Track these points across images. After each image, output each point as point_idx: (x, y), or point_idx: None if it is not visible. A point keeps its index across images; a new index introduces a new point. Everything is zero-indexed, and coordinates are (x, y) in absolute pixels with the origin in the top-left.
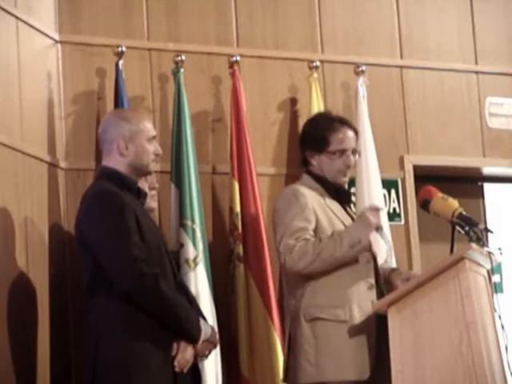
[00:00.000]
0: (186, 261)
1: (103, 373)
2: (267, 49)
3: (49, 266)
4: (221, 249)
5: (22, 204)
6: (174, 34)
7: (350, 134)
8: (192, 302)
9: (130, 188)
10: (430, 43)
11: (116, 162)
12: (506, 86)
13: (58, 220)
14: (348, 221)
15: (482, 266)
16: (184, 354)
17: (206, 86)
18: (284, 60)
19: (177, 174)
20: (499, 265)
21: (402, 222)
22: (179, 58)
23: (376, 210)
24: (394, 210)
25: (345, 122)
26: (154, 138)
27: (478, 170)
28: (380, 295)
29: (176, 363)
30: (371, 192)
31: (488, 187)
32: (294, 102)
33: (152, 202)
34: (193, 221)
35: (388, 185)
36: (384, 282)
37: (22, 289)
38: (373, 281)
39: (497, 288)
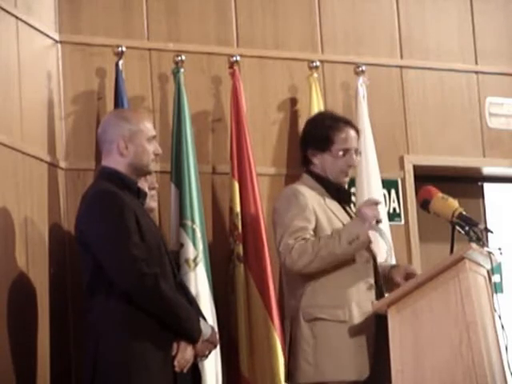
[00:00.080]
0: (186, 261)
1: (103, 373)
2: (267, 49)
3: (49, 266)
4: (221, 249)
5: (22, 204)
6: (174, 34)
7: (353, 133)
8: (192, 302)
9: (129, 188)
10: (430, 43)
11: (116, 161)
12: (506, 86)
13: (58, 220)
14: (347, 220)
15: (482, 265)
16: (184, 354)
17: (205, 86)
18: (284, 60)
19: (177, 174)
20: (499, 265)
21: (402, 222)
22: (179, 57)
23: (373, 203)
24: (394, 209)
25: (348, 122)
26: (154, 137)
27: (477, 170)
28: (379, 295)
29: (176, 363)
30: (371, 192)
31: (488, 187)
32: (293, 101)
33: (152, 202)
34: (193, 221)
35: (388, 185)
36: (384, 280)
37: (21, 289)
38: (372, 281)
39: (497, 288)
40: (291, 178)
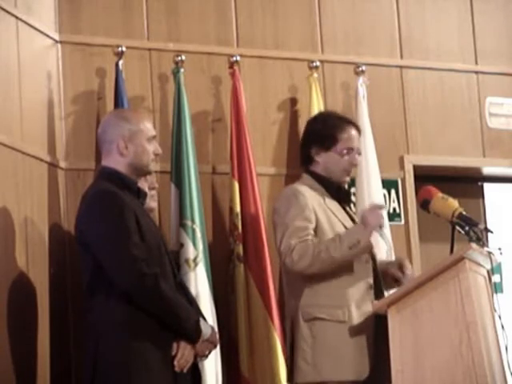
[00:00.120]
0: (186, 261)
1: (103, 373)
2: (267, 49)
3: (49, 266)
4: (221, 249)
5: (22, 204)
6: (174, 34)
7: (356, 133)
8: (192, 302)
9: (129, 188)
10: (430, 43)
11: (116, 161)
12: (506, 86)
13: (58, 220)
14: (347, 221)
15: (482, 265)
16: (184, 354)
17: (205, 86)
18: (284, 60)
19: (177, 174)
20: (499, 265)
21: (402, 222)
22: (179, 57)
23: (377, 208)
24: (394, 210)
25: (351, 122)
26: (154, 137)
27: (477, 170)
28: (379, 295)
29: (176, 363)
30: (371, 192)
31: (488, 187)
32: (293, 101)
33: (152, 202)
34: (193, 221)
35: (388, 185)
36: (382, 277)
37: (21, 289)
38: (371, 281)
39: (497, 288)
40: (291, 178)
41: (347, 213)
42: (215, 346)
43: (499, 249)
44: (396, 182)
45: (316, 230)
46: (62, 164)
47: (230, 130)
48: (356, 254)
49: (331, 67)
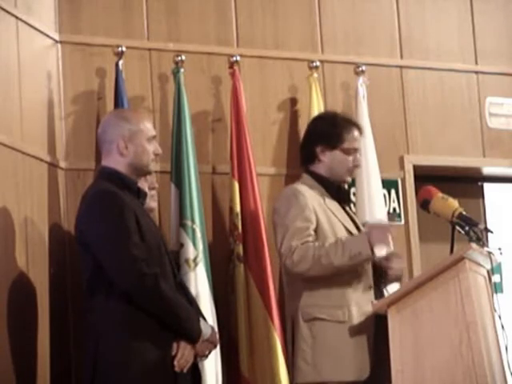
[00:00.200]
0: (186, 261)
1: (103, 373)
2: (267, 49)
3: (49, 266)
4: (221, 249)
5: (22, 204)
6: (174, 34)
7: (358, 135)
8: (192, 302)
9: (129, 188)
10: (430, 43)
11: (116, 161)
12: (506, 86)
13: (58, 220)
14: (347, 221)
15: (482, 266)
16: (184, 354)
17: (206, 86)
18: (284, 60)
19: (177, 174)
20: (499, 265)
21: (402, 222)
22: (179, 57)
23: (385, 229)
24: (394, 209)
25: (355, 123)
26: (154, 137)
27: (477, 170)
28: (379, 295)
29: (176, 363)
30: (371, 192)
31: (488, 187)
32: (293, 102)
33: (152, 202)
34: (193, 221)
35: (388, 185)
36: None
37: (21, 289)
38: (371, 281)
39: (497, 288)
40: (291, 178)
41: (347, 213)
42: (215, 346)
43: (499, 249)
44: (396, 181)
45: (316, 230)
46: (62, 164)
47: (230, 130)
48: (356, 264)
49: (331, 67)
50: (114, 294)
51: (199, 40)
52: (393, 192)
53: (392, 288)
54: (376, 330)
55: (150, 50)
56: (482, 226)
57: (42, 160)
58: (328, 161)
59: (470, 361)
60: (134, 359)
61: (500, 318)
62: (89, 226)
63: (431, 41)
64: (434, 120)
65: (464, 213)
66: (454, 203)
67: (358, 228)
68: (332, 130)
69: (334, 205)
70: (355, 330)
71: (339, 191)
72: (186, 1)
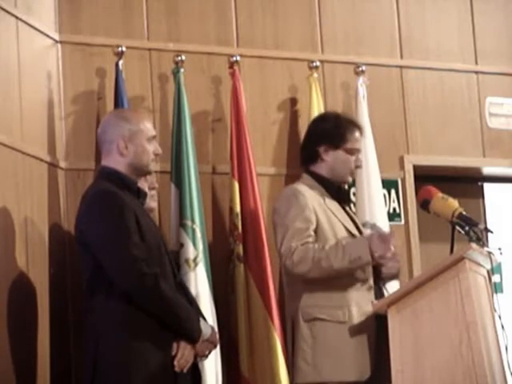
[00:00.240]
0: (186, 261)
1: (103, 373)
2: (267, 49)
3: (49, 266)
4: (221, 249)
5: (22, 204)
6: (174, 34)
7: (359, 136)
8: (192, 302)
9: (129, 188)
10: (430, 43)
11: (116, 161)
12: (506, 86)
13: (58, 220)
14: (347, 221)
15: (482, 265)
16: (184, 354)
17: (206, 86)
18: (284, 60)
19: (177, 174)
20: (499, 265)
21: (402, 222)
22: (179, 57)
23: (388, 241)
24: (394, 209)
25: (357, 124)
26: (154, 137)
27: (477, 170)
28: (379, 296)
29: (176, 363)
30: (371, 192)
31: (488, 187)
32: (293, 102)
33: (152, 202)
34: (193, 221)
35: (388, 185)
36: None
37: (21, 289)
38: (372, 281)
39: (497, 288)
40: (291, 178)
41: (347, 213)
42: (215, 346)
43: (499, 249)
44: (396, 181)
45: (316, 230)
46: (62, 164)
47: (230, 130)
48: (356, 267)
49: (331, 67)
50: (113, 294)
51: (199, 40)
52: (393, 192)
53: (392, 288)
54: (377, 330)
55: (149, 50)
56: (482, 226)
57: (42, 160)
58: (331, 160)
59: (470, 361)
60: (134, 359)
61: (500, 318)
62: (89, 226)
63: (431, 41)
64: (434, 120)
65: (464, 213)
66: (453, 203)
67: (357, 228)
68: (336, 129)
69: (334, 205)
70: (356, 331)
71: (339, 191)
72: (186, 1)
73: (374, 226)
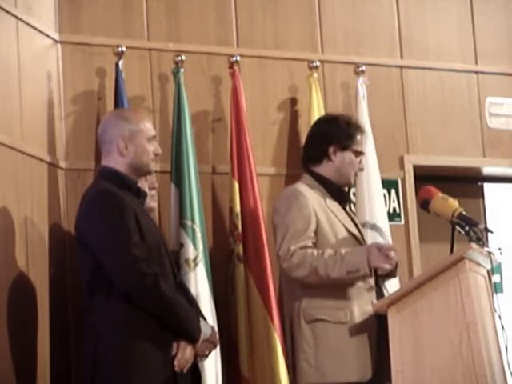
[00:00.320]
0: (186, 261)
1: (103, 373)
2: (267, 49)
3: (49, 266)
4: (221, 249)
5: (22, 204)
6: (173, 34)
7: (362, 139)
8: (192, 302)
9: (129, 188)
10: (430, 43)
11: (116, 161)
12: (506, 86)
13: (58, 220)
14: (347, 221)
15: (482, 265)
16: (184, 354)
17: (206, 86)
18: (284, 60)
19: (177, 174)
20: (499, 265)
21: (402, 222)
22: (179, 57)
23: (388, 252)
24: (394, 209)
25: (363, 128)
26: (154, 137)
27: (478, 170)
28: (379, 296)
29: (176, 363)
30: (371, 192)
31: (488, 187)
32: (293, 102)
33: (152, 202)
34: (193, 221)
35: (388, 185)
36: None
37: (21, 289)
38: (372, 282)
39: (497, 288)
40: (291, 178)
41: (347, 213)
42: (215, 346)
43: (499, 249)
44: (396, 181)
45: (316, 230)
46: (62, 164)
47: (230, 130)
48: (353, 279)
49: (331, 67)
50: (113, 294)
51: (199, 40)
52: (393, 192)
53: (392, 287)
54: (378, 330)
55: (149, 50)
56: (482, 226)
57: (42, 160)
58: (338, 161)
59: (469, 361)
60: (134, 359)
61: (500, 318)
62: (89, 226)
63: (431, 41)
64: (434, 120)
65: (464, 213)
66: (453, 203)
67: (358, 228)
68: (346, 131)
69: (334, 205)
70: (357, 331)
71: (341, 192)
72: (186, 1)
73: (374, 226)
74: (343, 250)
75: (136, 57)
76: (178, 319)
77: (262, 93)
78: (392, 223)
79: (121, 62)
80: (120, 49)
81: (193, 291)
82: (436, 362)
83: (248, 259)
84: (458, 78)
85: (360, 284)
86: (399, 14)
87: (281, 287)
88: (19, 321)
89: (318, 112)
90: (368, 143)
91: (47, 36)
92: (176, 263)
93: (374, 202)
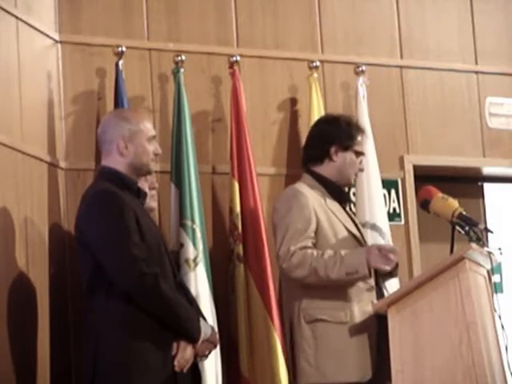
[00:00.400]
0: (186, 261)
1: (103, 373)
2: (267, 49)
3: (49, 266)
4: (221, 249)
5: (22, 204)
6: (174, 34)
7: (365, 140)
8: (192, 302)
9: (129, 188)
10: (430, 43)
11: (116, 161)
12: (506, 86)
13: (58, 220)
14: (348, 221)
15: (482, 265)
16: (184, 354)
17: (206, 86)
18: (284, 60)
19: (177, 174)
20: (499, 265)
21: (402, 222)
22: (179, 57)
23: (388, 253)
24: (394, 209)
25: (364, 129)
26: (154, 137)
27: (478, 170)
28: (380, 296)
29: (176, 363)
30: (371, 192)
31: (488, 187)
32: (293, 102)
33: (152, 202)
34: (193, 221)
35: (388, 185)
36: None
37: (21, 289)
38: (373, 282)
39: (497, 288)
40: (291, 178)
41: (347, 213)
42: (215, 346)
43: (499, 249)
44: (396, 181)
45: (317, 230)
46: (62, 164)
47: (230, 130)
48: (352, 280)
49: (331, 67)
50: (113, 294)
51: (199, 40)
52: (393, 192)
53: (392, 287)
54: (378, 330)
55: (150, 50)
56: (482, 226)
57: (42, 160)
58: (340, 161)
59: (469, 361)
60: (134, 359)
61: (500, 318)
62: (89, 226)
63: (431, 41)
64: (434, 120)
65: (464, 213)
66: (453, 203)
67: (358, 229)
68: (347, 131)
69: (334, 205)
70: (357, 331)
71: (341, 193)
72: (186, 1)
73: (373, 226)
74: (343, 251)
75: (136, 57)
76: (178, 319)
77: (262, 93)
78: (392, 223)
79: (121, 62)
80: (120, 49)
81: (193, 291)
82: (436, 362)
83: (248, 259)
84: (458, 78)
85: (360, 284)
86: (399, 14)
87: (281, 287)
88: (19, 321)
89: (318, 112)
90: (368, 143)
91: (47, 36)
92: (176, 263)
93: (374, 202)
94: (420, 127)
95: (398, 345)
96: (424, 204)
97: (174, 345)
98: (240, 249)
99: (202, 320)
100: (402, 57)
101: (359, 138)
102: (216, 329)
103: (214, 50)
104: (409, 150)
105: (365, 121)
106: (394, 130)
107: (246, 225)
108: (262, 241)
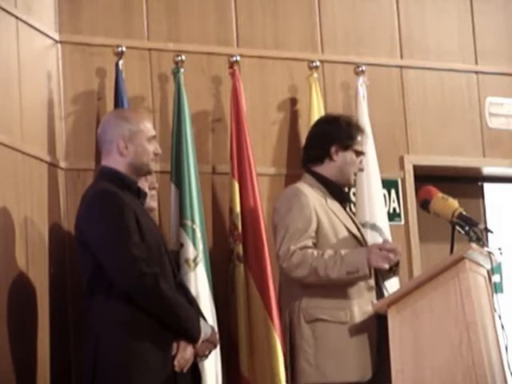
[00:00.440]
0: (186, 261)
1: (103, 373)
2: (267, 49)
3: (49, 266)
4: (221, 249)
5: (22, 204)
6: (173, 34)
7: (365, 140)
8: (192, 302)
9: (129, 188)
10: (430, 43)
11: (116, 161)
12: (506, 86)
13: (58, 220)
14: (348, 221)
15: (482, 265)
16: (184, 354)
17: (206, 86)
18: (284, 60)
19: (177, 174)
20: (499, 265)
21: (402, 222)
22: (179, 57)
23: (388, 251)
24: (394, 209)
25: (363, 129)
26: (154, 137)
27: (478, 170)
28: (380, 296)
29: (176, 363)
30: (371, 192)
31: (488, 187)
32: (293, 102)
33: (152, 202)
34: (193, 221)
35: (388, 185)
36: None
37: (22, 289)
38: (373, 282)
39: (497, 288)
40: (291, 178)
41: (347, 213)
42: (215, 346)
43: (499, 249)
44: (396, 181)
45: (317, 230)
46: (62, 164)
47: (230, 130)
48: (352, 279)
49: (331, 67)
50: (113, 294)
51: (199, 40)
52: (393, 192)
53: (392, 287)
54: (378, 330)
55: (149, 50)
56: (482, 226)
57: (42, 160)
58: (340, 161)
59: (469, 361)
60: (134, 359)
61: (500, 317)
62: (89, 226)
63: (431, 41)
64: (434, 120)
65: (464, 213)
66: (453, 203)
67: (358, 229)
68: (347, 131)
69: (335, 205)
70: (357, 331)
71: (342, 192)
72: (186, 1)
73: (373, 226)
74: (343, 251)
75: (136, 57)
76: (178, 319)
77: (262, 93)
78: (392, 223)
79: (121, 62)
80: (120, 49)
81: (193, 291)
82: (436, 362)
83: (248, 259)
84: (457, 78)
85: (360, 284)
86: (399, 14)
87: (281, 287)
88: (19, 321)
89: (317, 112)
90: (368, 143)
91: (47, 36)
92: (176, 263)
93: (374, 202)
94: (420, 127)
95: (397, 345)
96: (424, 204)
97: (174, 345)
98: (240, 249)
99: (202, 320)
100: (401, 57)
101: (359, 138)
102: (216, 329)
103: (213, 49)
104: (409, 150)
105: (365, 121)
106: (394, 130)
107: (246, 225)
108: (262, 241)
